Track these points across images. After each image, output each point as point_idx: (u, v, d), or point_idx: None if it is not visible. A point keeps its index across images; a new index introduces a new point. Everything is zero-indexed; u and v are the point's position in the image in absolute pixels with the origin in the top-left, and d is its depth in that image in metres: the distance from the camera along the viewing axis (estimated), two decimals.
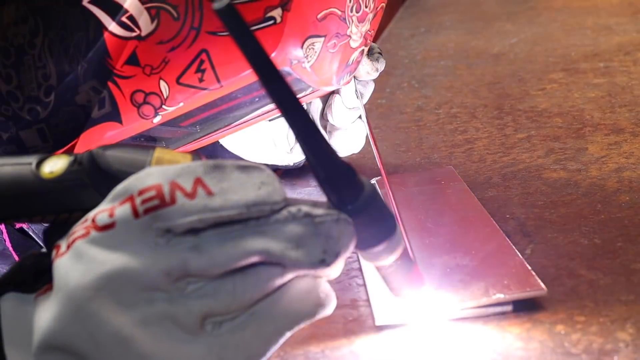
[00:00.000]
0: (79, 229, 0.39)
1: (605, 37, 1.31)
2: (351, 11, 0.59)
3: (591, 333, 0.51)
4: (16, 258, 0.66)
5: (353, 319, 0.57)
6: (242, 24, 0.38)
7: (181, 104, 0.57)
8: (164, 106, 0.57)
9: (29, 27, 0.56)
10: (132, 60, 0.55)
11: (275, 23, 0.55)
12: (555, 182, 0.77)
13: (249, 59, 0.38)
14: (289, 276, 0.39)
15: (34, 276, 0.43)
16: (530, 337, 0.51)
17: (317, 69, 0.60)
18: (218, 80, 0.56)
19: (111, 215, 0.39)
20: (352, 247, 0.40)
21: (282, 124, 0.82)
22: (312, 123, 0.40)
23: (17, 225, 0.66)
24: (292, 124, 0.40)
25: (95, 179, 0.42)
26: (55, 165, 0.42)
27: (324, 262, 0.39)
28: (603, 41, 1.28)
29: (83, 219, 0.40)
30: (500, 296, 0.54)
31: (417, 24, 1.66)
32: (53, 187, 0.42)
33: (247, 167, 0.39)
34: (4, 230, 0.66)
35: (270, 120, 0.80)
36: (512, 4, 1.69)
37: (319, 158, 0.40)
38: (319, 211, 0.39)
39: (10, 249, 0.66)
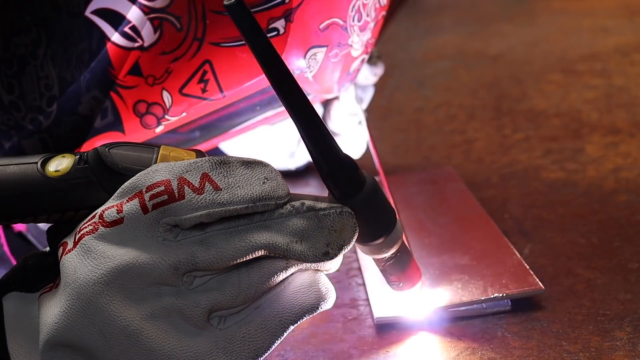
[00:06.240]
0: (86, 225, 0.40)
1: (602, 38, 1.31)
2: (353, 20, 0.58)
3: (589, 332, 0.51)
4: (14, 263, 0.65)
5: (353, 318, 0.57)
6: (252, 20, 0.38)
7: (184, 114, 0.57)
8: (166, 116, 0.57)
9: (31, 37, 0.56)
10: (135, 70, 0.55)
11: (278, 34, 0.55)
12: (553, 182, 0.78)
13: (257, 54, 0.39)
14: (292, 270, 0.40)
15: (36, 275, 0.43)
16: (529, 335, 0.52)
17: (319, 78, 0.60)
18: (221, 91, 0.56)
19: (119, 211, 0.39)
20: (354, 240, 0.40)
21: (283, 128, 0.82)
22: (316, 117, 0.40)
23: (16, 229, 0.66)
24: (296, 117, 0.40)
25: (101, 176, 0.42)
26: (60, 164, 0.43)
27: (328, 255, 0.39)
28: (600, 43, 1.29)
29: (90, 216, 0.40)
30: (498, 295, 0.54)
31: (417, 26, 1.66)
32: (59, 185, 0.42)
33: (251, 163, 0.40)
34: (2, 235, 0.66)
35: (271, 125, 0.81)
36: (510, 6, 1.70)
37: (322, 152, 0.41)
38: (322, 205, 0.40)
39: (8, 253, 0.66)
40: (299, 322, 0.40)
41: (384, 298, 0.56)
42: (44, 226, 0.64)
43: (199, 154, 0.43)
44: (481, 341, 0.52)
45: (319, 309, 0.41)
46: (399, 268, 0.46)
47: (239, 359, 0.39)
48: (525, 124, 0.96)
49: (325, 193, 0.43)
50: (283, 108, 0.41)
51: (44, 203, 0.42)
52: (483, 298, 0.54)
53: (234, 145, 0.82)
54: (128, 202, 0.39)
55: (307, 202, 0.40)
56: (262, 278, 0.39)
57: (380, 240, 0.43)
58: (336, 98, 0.74)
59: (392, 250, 0.44)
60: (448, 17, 1.72)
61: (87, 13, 0.55)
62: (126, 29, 0.54)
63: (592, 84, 1.08)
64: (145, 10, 0.54)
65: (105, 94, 0.56)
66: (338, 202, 0.41)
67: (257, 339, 0.39)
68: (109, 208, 0.40)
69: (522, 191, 0.77)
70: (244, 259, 0.39)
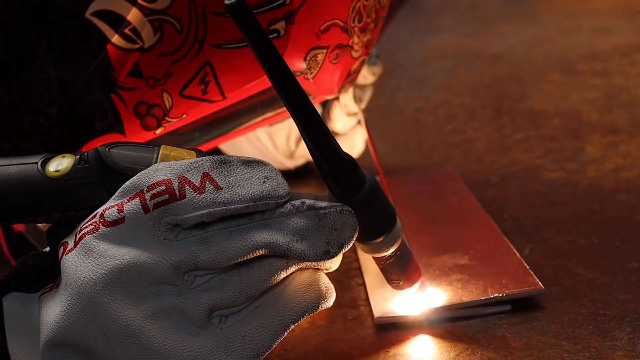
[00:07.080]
0: (87, 225, 0.40)
1: (602, 38, 1.31)
2: (353, 22, 0.58)
3: (589, 332, 0.51)
4: (14, 263, 0.65)
5: (353, 318, 0.57)
6: (252, 19, 0.38)
7: (184, 116, 0.57)
8: (167, 118, 0.57)
9: (31, 39, 0.56)
10: (135, 72, 0.55)
11: (279, 36, 0.55)
12: (553, 182, 0.78)
13: (257, 52, 0.39)
14: (292, 269, 0.40)
15: (36, 275, 0.43)
16: (529, 335, 0.52)
17: (319, 80, 0.60)
18: (222, 93, 0.56)
19: (120, 211, 0.39)
20: (355, 238, 0.40)
21: (283, 129, 0.82)
22: (317, 116, 0.40)
23: (16, 230, 0.66)
24: (296, 115, 0.40)
25: (101, 176, 0.42)
26: (60, 164, 0.43)
27: (328, 254, 0.39)
28: (600, 42, 1.29)
29: (91, 216, 0.40)
30: (498, 295, 0.54)
31: (417, 26, 1.66)
32: (59, 185, 0.42)
33: (252, 162, 0.40)
34: (2, 235, 0.66)
35: (271, 126, 0.81)
36: (510, 6, 1.70)
37: (322, 151, 0.41)
38: (322, 204, 0.40)
39: (8, 254, 0.66)
40: (299, 321, 0.40)
41: (384, 298, 0.56)
42: (43, 227, 0.64)
43: (200, 153, 0.43)
44: (481, 341, 0.52)
45: (319, 307, 0.41)
46: (399, 267, 0.46)
47: (240, 358, 0.39)
48: (525, 124, 0.96)
49: (325, 192, 0.43)
50: (283, 109, 0.41)
51: (44, 203, 0.42)
52: (483, 298, 0.54)
53: (233, 145, 0.82)
54: (129, 201, 0.39)
55: (308, 201, 0.40)
56: (262, 277, 0.39)
57: (380, 239, 0.43)
58: (336, 98, 0.74)
59: (392, 249, 0.45)
60: (448, 17, 1.72)
61: (87, 15, 0.55)
62: (126, 31, 0.54)
63: (592, 84, 1.08)
64: (146, 11, 0.54)
65: (105, 95, 0.56)
66: (338, 201, 0.41)
67: (257, 338, 0.39)
68: (110, 208, 0.40)
69: (522, 191, 0.77)
70: (245, 258, 0.39)
